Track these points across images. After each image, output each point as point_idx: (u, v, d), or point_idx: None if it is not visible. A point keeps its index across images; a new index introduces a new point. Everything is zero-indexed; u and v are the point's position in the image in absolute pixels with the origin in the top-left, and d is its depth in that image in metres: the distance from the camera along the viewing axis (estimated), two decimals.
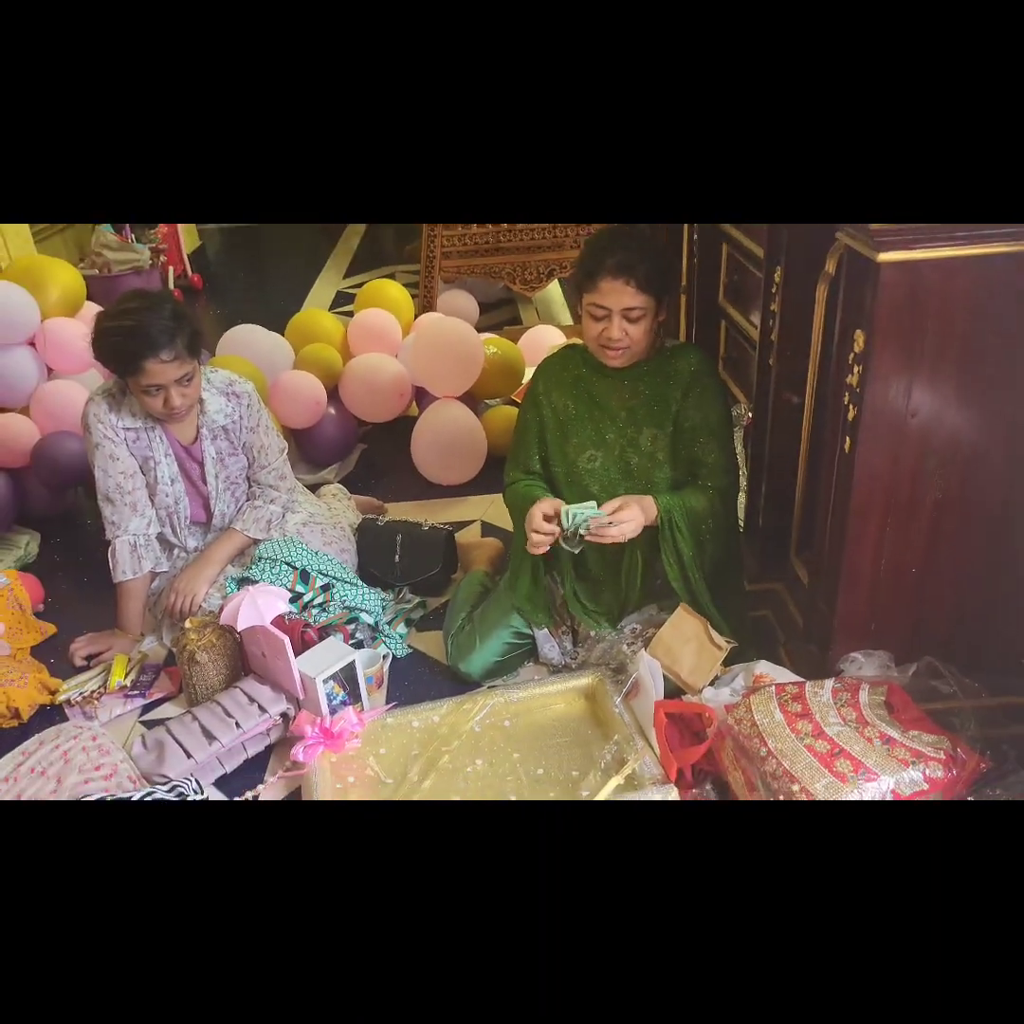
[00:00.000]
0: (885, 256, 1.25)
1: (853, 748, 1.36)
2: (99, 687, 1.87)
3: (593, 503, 1.64)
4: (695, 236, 2.29)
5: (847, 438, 1.45)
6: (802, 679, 1.59)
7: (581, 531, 1.62)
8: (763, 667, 1.65)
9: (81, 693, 1.86)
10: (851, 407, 1.43)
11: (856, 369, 1.40)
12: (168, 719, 1.73)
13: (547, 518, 1.66)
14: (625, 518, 1.60)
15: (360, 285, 4.87)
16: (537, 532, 1.64)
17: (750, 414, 2.00)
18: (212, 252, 5.99)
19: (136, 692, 1.87)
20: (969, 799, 1.34)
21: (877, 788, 1.31)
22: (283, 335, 2.89)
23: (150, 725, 1.79)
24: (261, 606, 1.70)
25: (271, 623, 1.71)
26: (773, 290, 1.75)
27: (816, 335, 1.65)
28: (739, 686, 1.63)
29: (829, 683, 1.50)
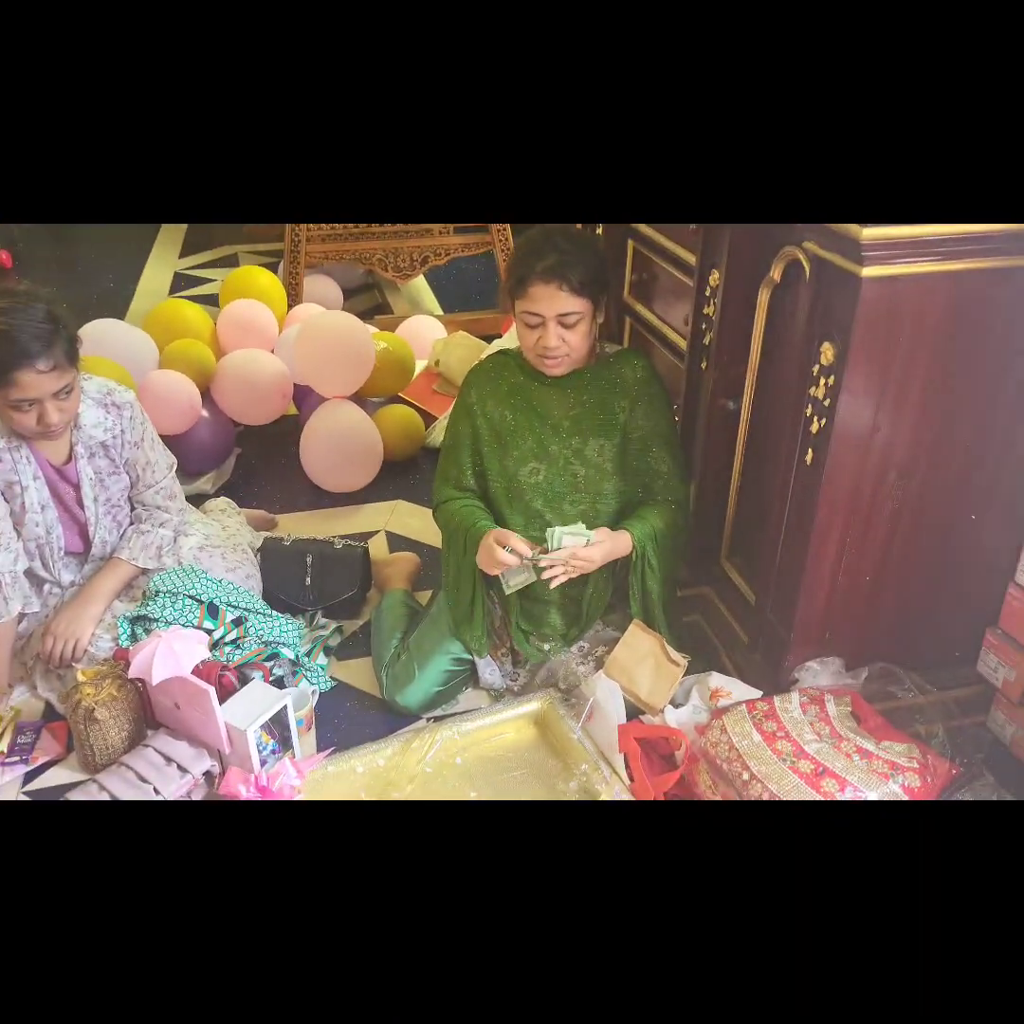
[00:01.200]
0: (869, 270, 1.23)
1: (835, 765, 1.36)
2: None
3: (581, 526, 1.57)
4: (598, 230, 2.23)
5: (810, 450, 1.44)
6: (760, 692, 1.58)
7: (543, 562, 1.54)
8: (717, 680, 1.62)
9: None
10: (816, 419, 1.41)
11: (823, 381, 1.38)
12: (67, 790, 1.48)
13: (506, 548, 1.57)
14: (585, 556, 1.54)
15: (201, 266, 4.53)
16: (503, 562, 1.55)
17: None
18: (17, 226, 5.32)
19: (15, 758, 1.59)
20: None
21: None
22: (140, 327, 2.58)
23: (41, 797, 1.53)
24: (179, 653, 1.49)
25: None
26: (708, 293, 1.71)
27: (756, 342, 1.63)
28: (697, 702, 1.60)
29: (795, 696, 1.49)
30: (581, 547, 1.54)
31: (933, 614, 1.61)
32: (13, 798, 1.54)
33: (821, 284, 1.35)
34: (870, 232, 1.19)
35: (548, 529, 1.55)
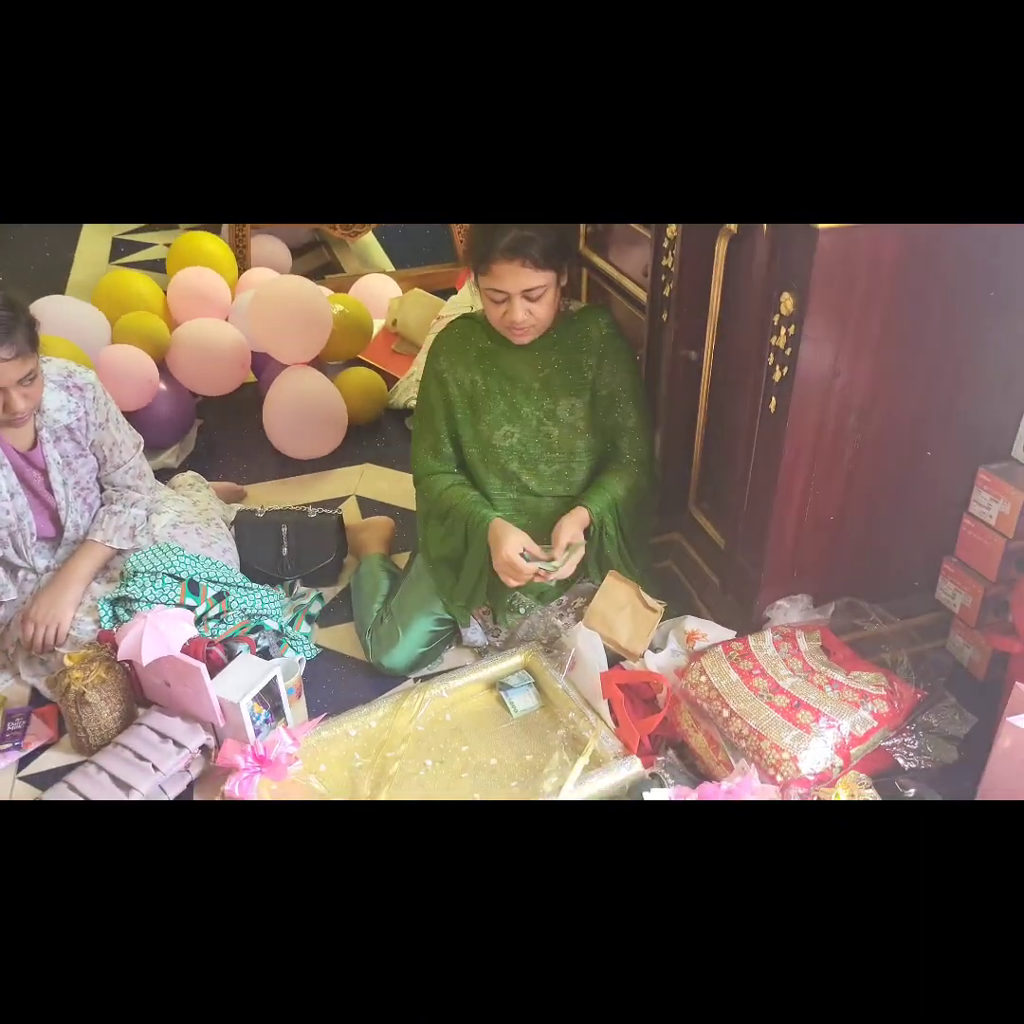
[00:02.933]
0: (824, 223, 1.26)
1: (809, 698, 1.43)
2: None
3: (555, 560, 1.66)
4: None
5: (773, 398, 1.48)
6: (734, 632, 1.64)
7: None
8: (692, 623, 1.68)
9: None
10: (778, 368, 1.45)
11: (783, 331, 1.41)
12: (66, 773, 1.50)
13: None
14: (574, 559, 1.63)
15: (141, 230, 4.39)
16: (523, 571, 1.63)
17: None
18: None
19: (8, 745, 1.60)
20: (911, 728, 1.46)
21: (837, 733, 1.39)
22: (86, 300, 2.51)
23: (38, 782, 1.55)
24: (165, 633, 1.50)
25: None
26: (666, 245, 1.73)
27: (715, 292, 1.66)
28: (675, 646, 1.66)
29: (768, 635, 1.56)
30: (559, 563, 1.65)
31: (893, 547, 1.68)
32: (9, 783, 1.56)
33: (778, 235, 1.38)
34: None
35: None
